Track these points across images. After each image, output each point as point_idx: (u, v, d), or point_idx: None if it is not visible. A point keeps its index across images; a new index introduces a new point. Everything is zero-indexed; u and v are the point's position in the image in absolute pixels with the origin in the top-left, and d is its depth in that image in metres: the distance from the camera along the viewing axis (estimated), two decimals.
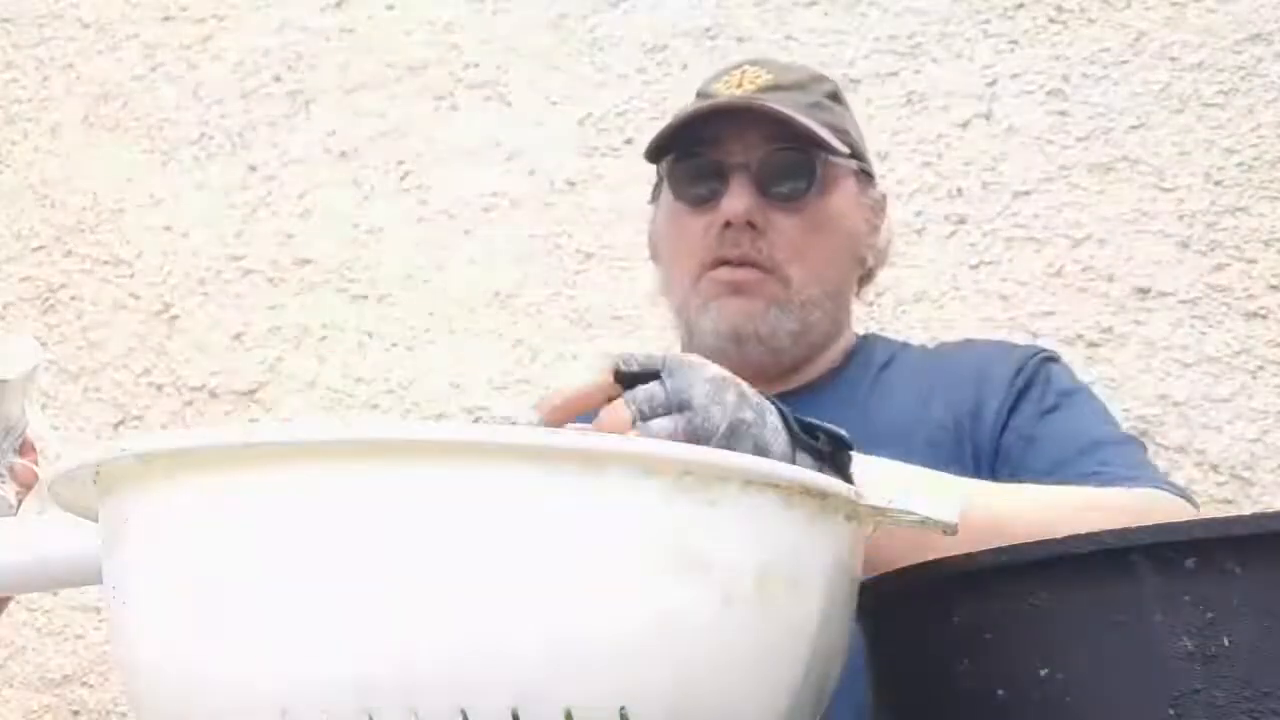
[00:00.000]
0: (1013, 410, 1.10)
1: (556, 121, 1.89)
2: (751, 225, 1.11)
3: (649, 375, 0.67)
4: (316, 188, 1.96)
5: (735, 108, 1.12)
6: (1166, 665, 0.49)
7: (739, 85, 1.16)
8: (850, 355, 1.21)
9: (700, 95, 1.20)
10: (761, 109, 1.11)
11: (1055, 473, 1.03)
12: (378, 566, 0.48)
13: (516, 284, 1.86)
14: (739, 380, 0.69)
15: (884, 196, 1.23)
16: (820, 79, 1.21)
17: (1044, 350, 1.19)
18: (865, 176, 1.20)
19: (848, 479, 0.65)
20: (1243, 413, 1.60)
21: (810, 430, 0.68)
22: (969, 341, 1.33)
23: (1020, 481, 1.02)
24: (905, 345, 1.25)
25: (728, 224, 1.11)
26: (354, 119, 1.96)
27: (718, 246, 1.12)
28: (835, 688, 0.60)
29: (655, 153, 1.17)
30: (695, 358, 0.69)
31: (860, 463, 0.70)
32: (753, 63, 1.20)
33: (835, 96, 1.20)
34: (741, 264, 1.12)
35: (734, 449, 0.62)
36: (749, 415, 0.66)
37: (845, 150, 1.14)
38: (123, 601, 0.54)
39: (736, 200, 1.10)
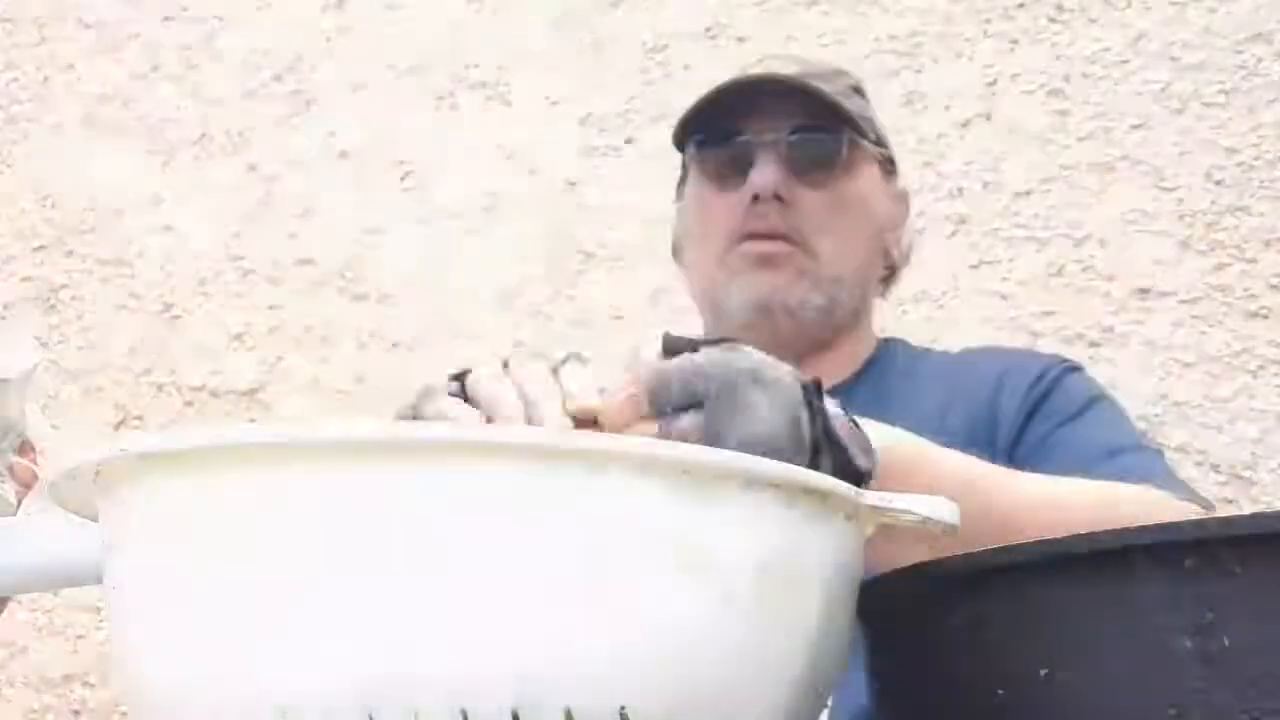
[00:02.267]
0: (1029, 420, 1.09)
1: (556, 121, 1.89)
2: (779, 199, 1.11)
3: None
4: (317, 188, 1.96)
5: (764, 81, 1.13)
6: (1166, 665, 0.49)
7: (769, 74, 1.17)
8: (870, 362, 1.20)
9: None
10: (791, 80, 1.12)
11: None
12: (378, 566, 0.48)
13: (516, 284, 1.86)
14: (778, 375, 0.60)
15: (906, 192, 1.24)
16: (843, 73, 1.22)
17: (1067, 361, 1.18)
18: (889, 166, 1.21)
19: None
20: (1243, 413, 1.60)
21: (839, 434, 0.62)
22: (992, 349, 1.32)
23: None
24: (927, 352, 1.24)
25: (756, 198, 1.11)
26: (354, 119, 1.96)
27: (745, 220, 1.12)
28: (835, 688, 0.60)
29: (681, 133, 1.18)
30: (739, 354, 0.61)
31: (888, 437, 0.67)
32: (776, 57, 1.22)
33: (859, 90, 1.21)
34: (770, 237, 1.12)
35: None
36: (763, 429, 0.58)
37: (871, 135, 1.16)
38: (123, 601, 0.54)
39: (765, 174, 1.11)
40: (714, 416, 0.58)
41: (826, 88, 1.15)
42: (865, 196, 1.16)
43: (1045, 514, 0.75)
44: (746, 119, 1.13)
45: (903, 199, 1.23)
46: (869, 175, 1.17)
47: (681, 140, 1.19)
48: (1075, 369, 1.16)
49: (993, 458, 1.07)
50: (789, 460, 0.56)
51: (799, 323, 1.13)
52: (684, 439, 0.58)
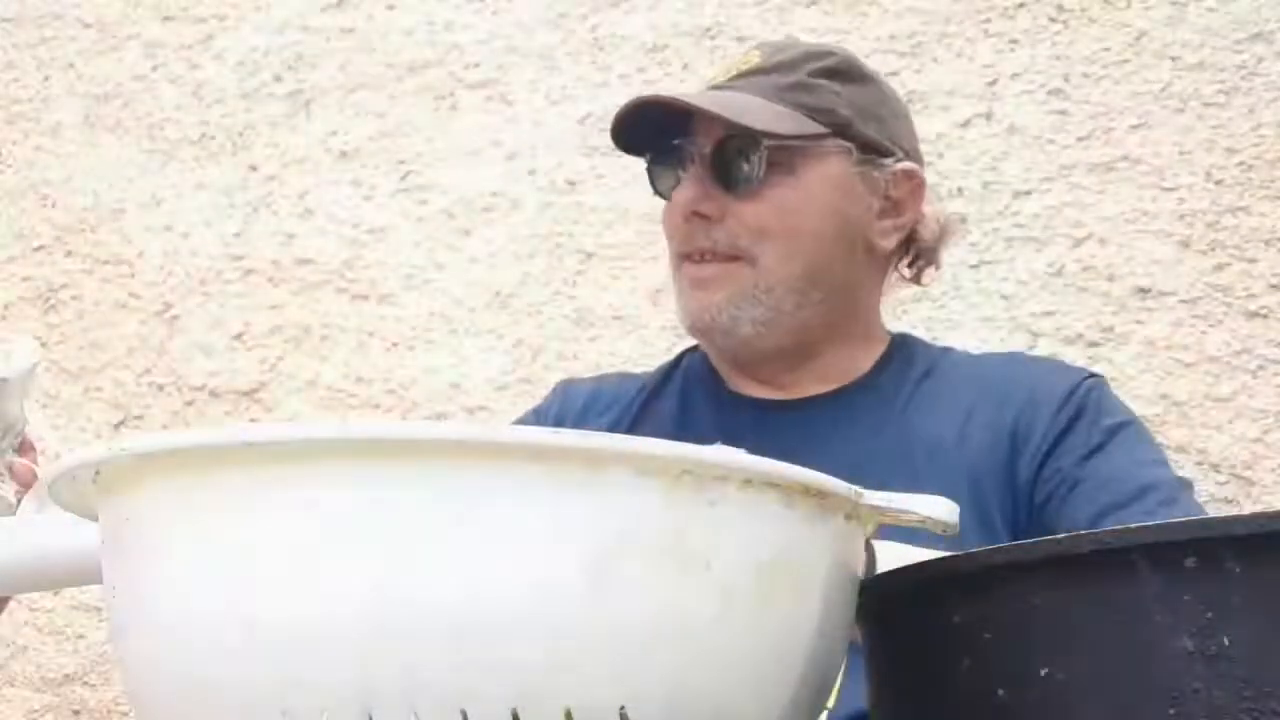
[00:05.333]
0: (1057, 443, 1.08)
1: (556, 121, 1.88)
2: (704, 216, 1.11)
3: None
4: (317, 188, 1.96)
5: (663, 102, 1.13)
6: (1166, 665, 0.49)
7: (726, 72, 1.17)
8: (885, 359, 1.19)
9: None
10: (680, 104, 1.11)
11: (1099, 522, 1.01)
12: (377, 566, 0.48)
13: (516, 284, 1.86)
14: None
15: (903, 172, 1.17)
16: (817, 56, 1.17)
17: (1091, 374, 1.16)
18: (867, 154, 1.14)
19: None
20: (1244, 412, 1.60)
21: None
22: (1017, 358, 1.31)
23: (1061, 527, 0.99)
24: (946, 352, 1.22)
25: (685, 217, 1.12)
26: (354, 119, 1.96)
27: (681, 241, 1.13)
28: (835, 688, 0.60)
29: (628, 150, 1.19)
30: None
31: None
32: (757, 46, 1.21)
33: (830, 72, 1.15)
34: (702, 258, 1.12)
35: None
36: None
37: (817, 130, 1.11)
38: (123, 601, 0.54)
39: (684, 192, 1.11)
40: None
41: (780, 80, 1.12)
42: (814, 197, 1.12)
43: None
44: (680, 130, 1.13)
45: (894, 181, 1.16)
46: (820, 173, 1.12)
47: (631, 152, 1.19)
48: (1101, 385, 1.14)
49: (1011, 476, 1.07)
50: None
51: (740, 340, 1.12)
52: None
